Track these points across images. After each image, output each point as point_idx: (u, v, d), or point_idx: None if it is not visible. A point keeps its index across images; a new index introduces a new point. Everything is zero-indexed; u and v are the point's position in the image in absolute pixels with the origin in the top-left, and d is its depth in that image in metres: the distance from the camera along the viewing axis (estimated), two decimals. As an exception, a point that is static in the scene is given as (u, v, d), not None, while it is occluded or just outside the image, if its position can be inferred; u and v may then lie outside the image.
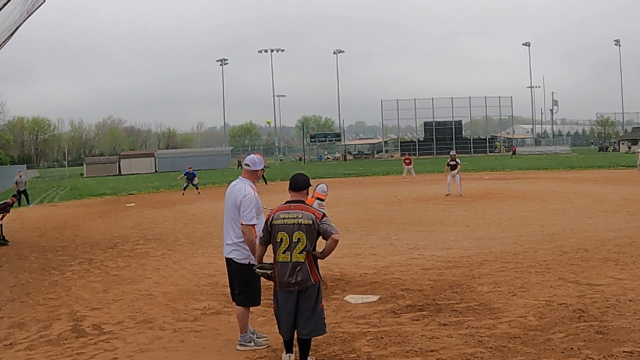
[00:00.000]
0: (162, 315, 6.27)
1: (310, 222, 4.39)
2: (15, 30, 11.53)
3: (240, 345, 5.02)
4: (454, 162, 19.28)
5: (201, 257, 9.76)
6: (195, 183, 26.29)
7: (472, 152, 75.86)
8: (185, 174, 26.74)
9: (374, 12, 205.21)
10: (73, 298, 7.26)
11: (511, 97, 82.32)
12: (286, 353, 4.57)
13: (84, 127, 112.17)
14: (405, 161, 32.08)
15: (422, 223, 12.76)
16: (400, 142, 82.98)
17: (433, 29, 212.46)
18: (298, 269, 4.36)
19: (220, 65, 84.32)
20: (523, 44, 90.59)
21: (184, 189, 26.17)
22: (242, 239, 4.87)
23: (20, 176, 23.93)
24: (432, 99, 79.11)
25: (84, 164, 62.67)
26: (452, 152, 20.40)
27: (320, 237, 4.44)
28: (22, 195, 23.14)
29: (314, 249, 4.46)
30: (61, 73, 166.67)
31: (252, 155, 5.27)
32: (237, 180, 5.16)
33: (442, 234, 11.05)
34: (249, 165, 5.16)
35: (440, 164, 48.09)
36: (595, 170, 32.90)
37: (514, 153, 65.30)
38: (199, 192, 25.93)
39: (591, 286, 6.48)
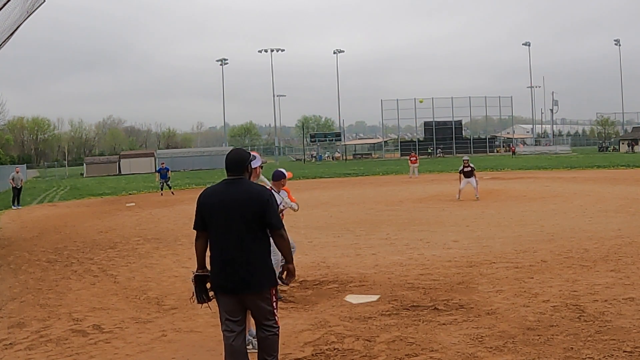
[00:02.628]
0: (162, 315, 6.28)
1: None
2: (15, 30, 11.53)
3: None
4: (469, 168, 17.73)
5: (201, 257, 9.75)
6: (169, 182, 25.86)
7: (472, 152, 75.90)
8: (158, 171, 26.31)
9: (374, 12, 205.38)
10: (73, 298, 7.25)
11: (511, 97, 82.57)
12: None
13: (84, 127, 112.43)
14: (411, 159, 32.03)
15: (422, 223, 12.75)
16: (400, 142, 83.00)
17: (433, 28, 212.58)
18: None
19: (220, 65, 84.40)
20: (523, 44, 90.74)
21: (161, 189, 25.98)
22: None
23: (18, 172, 23.00)
24: (432, 98, 79.16)
25: (84, 164, 62.71)
26: (465, 158, 18.66)
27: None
28: (15, 195, 22.45)
29: None
30: (61, 72, 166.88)
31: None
32: None
33: (442, 234, 11.05)
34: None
35: (440, 164, 48.13)
36: (595, 170, 32.91)
37: (513, 152, 65.87)
38: (172, 193, 25.54)
39: (591, 286, 6.48)
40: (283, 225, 3.92)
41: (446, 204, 16.68)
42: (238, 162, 3.96)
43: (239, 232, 3.79)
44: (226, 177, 3.98)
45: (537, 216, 12.96)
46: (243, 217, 3.78)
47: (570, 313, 5.52)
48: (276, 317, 3.96)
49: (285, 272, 4.03)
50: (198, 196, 4.03)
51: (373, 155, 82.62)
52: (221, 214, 3.82)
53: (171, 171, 26.46)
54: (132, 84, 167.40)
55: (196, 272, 4.08)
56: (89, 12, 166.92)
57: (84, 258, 10.20)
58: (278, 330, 3.98)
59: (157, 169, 26.68)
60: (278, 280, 4.11)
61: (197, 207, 3.97)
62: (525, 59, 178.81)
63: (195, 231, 4.01)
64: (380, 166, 49.04)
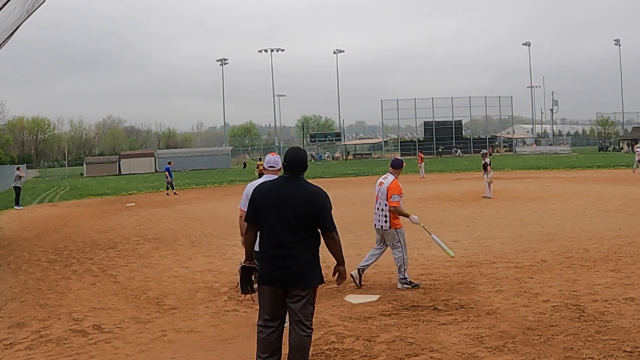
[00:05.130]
0: (162, 315, 6.28)
1: None
2: (15, 30, 11.54)
3: None
4: (483, 162, 18.11)
5: (201, 257, 9.76)
6: (172, 182, 25.95)
7: (472, 151, 75.88)
8: (166, 169, 26.34)
9: (374, 12, 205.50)
10: (73, 298, 7.25)
11: (511, 97, 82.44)
12: None
13: (84, 127, 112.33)
14: (418, 159, 31.96)
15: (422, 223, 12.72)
16: (400, 142, 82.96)
17: (433, 28, 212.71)
18: None
19: (220, 65, 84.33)
20: (523, 44, 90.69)
21: (167, 188, 26.05)
22: None
23: (21, 171, 23.68)
24: (432, 98, 79.10)
25: (84, 164, 62.63)
26: (483, 151, 19.15)
27: None
28: (17, 195, 22.47)
29: None
30: (61, 73, 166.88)
31: (269, 156, 5.39)
32: (265, 178, 5.17)
33: (442, 234, 11.00)
34: (274, 167, 5.34)
35: (440, 164, 48.11)
36: (595, 170, 32.89)
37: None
38: (175, 193, 25.61)
39: (591, 286, 6.48)
40: (335, 227, 4.02)
41: (446, 204, 16.67)
42: (300, 162, 4.08)
43: (292, 229, 3.88)
44: (284, 174, 4.09)
45: (537, 216, 12.95)
46: (297, 215, 3.89)
47: (570, 313, 5.52)
48: (312, 320, 4.04)
49: (336, 274, 4.15)
50: (253, 189, 4.14)
51: (373, 155, 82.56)
52: (275, 209, 3.92)
53: (172, 171, 26.51)
54: (132, 83, 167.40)
55: (243, 263, 4.20)
56: (88, 12, 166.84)
57: (84, 258, 10.20)
58: (312, 333, 4.05)
59: (166, 167, 26.58)
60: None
61: (250, 200, 4.07)
62: (525, 59, 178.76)
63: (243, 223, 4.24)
64: (381, 166, 48.94)
